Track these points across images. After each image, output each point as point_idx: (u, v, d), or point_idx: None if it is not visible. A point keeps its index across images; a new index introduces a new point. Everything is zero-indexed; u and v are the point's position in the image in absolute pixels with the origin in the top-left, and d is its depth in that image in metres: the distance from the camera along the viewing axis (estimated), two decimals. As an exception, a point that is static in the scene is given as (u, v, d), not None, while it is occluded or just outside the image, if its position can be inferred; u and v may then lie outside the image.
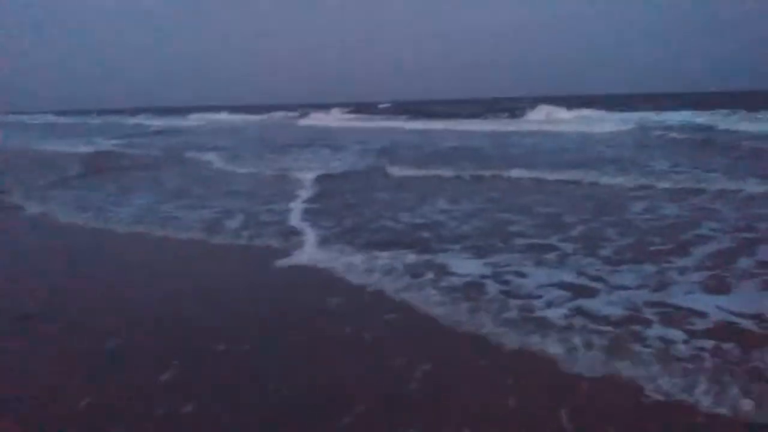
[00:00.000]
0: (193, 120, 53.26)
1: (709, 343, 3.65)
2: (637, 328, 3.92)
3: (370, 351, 3.83)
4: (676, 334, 3.81)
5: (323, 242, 6.34)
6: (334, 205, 8.52)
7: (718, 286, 4.70)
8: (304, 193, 9.54)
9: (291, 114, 55.72)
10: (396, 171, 11.79)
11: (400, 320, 4.28)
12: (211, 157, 15.92)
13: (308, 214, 7.83)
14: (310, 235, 6.65)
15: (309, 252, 5.99)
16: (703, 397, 3.06)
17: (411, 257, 5.65)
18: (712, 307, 4.25)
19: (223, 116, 61.06)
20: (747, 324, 3.95)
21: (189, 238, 6.86)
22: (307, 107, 73.98)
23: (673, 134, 18.22)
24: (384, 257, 5.65)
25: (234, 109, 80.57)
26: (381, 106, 70.44)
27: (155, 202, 9.04)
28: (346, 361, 3.68)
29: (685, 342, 3.68)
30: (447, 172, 11.38)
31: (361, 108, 60.78)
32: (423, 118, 38.30)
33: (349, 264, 5.50)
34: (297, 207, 8.35)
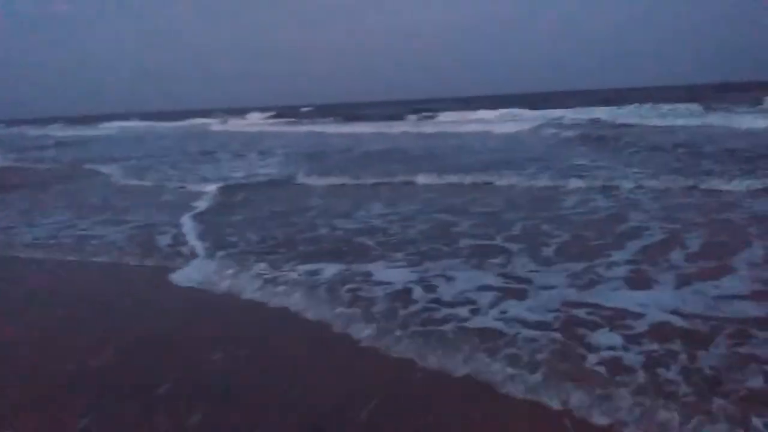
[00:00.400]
0: (104, 129, 50.37)
1: (653, 349, 3.34)
2: (575, 335, 3.57)
3: (278, 378, 3.31)
4: (617, 340, 3.48)
5: (221, 259, 5.69)
6: (237, 219, 7.78)
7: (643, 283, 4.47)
8: (204, 206, 8.74)
9: (209, 120, 53.79)
10: (312, 180, 11.03)
11: (313, 340, 3.81)
12: (112, 169, 14.72)
13: (205, 230, 7.07)
14: (206, 252, 5.99)
15: (204, 270, 5.35)
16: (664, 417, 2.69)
17: (331, 269, 5.14)
18: (645, 305, 4.00)
19: (136, 124, 58.25)
20: (684, 324, 3.69)
21: (72, 260, 6.21)
22: (226, 112, 71.97)
23: (568, 132, 18.62)
24: (300, 271, 5.11)
25: (148, 116, 77.26)
26: (303, 109, 69.56)
27: (47, 223, 8.03)
28: (246, 390, 3.18)
29: (626, 349, 3.36)
30: (351, 180, 10.71)
31: (283, 112, 59.68)
32: (348, 121, 37.94)
33: (255, 281, 4.93)
34: (191, 223, 7.50)
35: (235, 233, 6.88)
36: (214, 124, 45.10)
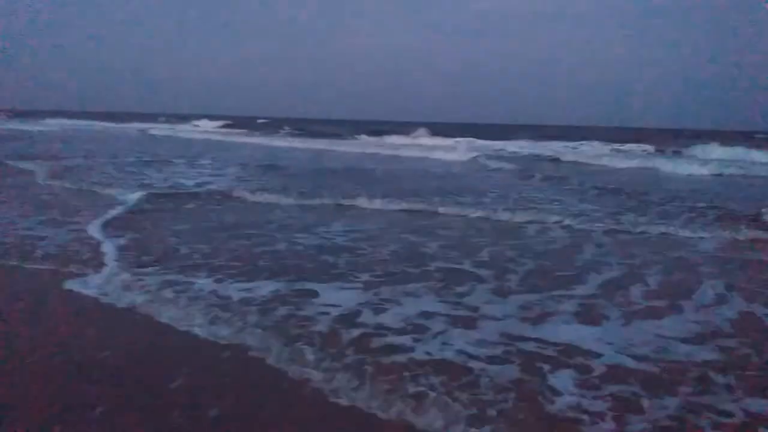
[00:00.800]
0: (46, 125, 48.14)
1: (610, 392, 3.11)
2: (529, 375, 3.29)
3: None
4: (571, 386, 3.17)
5: (124, 269, 5.16)
6: (148, 231, 7.03)
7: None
8: (117, 213, 8.05)
9: (155, 124, 52.31)
10: (247, 195, 10.11)
11: (227, 373, 3.33)
12: (33, 166, 13.73)
13: (114, 239, 6.43)
14: (110, 261, 5.45)
15: (104, 280, 4.87)
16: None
17: (269, 287, 4.74)
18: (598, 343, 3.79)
19: (81, 122, 56.24)
20: (640, 366, 3.48)
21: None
22: (180, 118, 70.59)
23: (497, 164, 19.10)
24: (239, 288, 4.69)
25: (93, 116, 75.04)
26: (260, 121, 68.96)
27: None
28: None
29: (583, 396, 3.07)
30: (287, 199, 9.92)
31: (237, 122, 58.90)
32: (306, 136, 37.83)
33: (163, 298, 4.42)
34: (100, 230, 6.85)
35: (148, 244, 6.29)
36: (159, 129, 43.62)
